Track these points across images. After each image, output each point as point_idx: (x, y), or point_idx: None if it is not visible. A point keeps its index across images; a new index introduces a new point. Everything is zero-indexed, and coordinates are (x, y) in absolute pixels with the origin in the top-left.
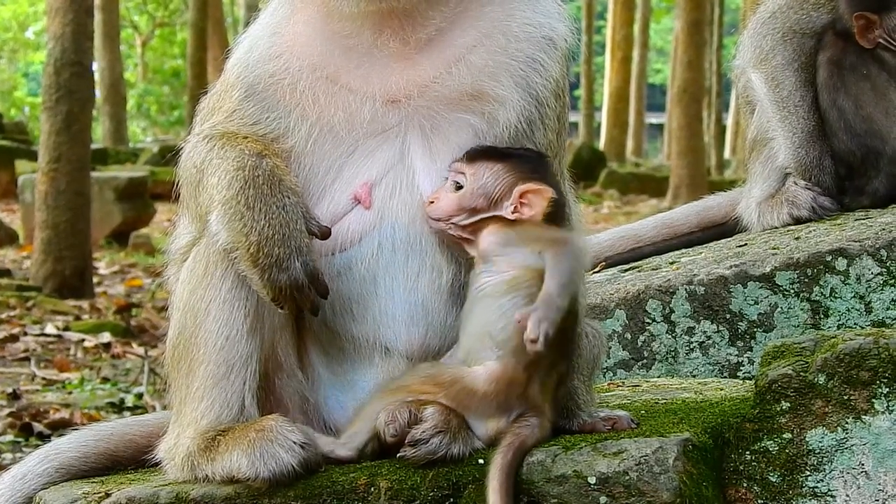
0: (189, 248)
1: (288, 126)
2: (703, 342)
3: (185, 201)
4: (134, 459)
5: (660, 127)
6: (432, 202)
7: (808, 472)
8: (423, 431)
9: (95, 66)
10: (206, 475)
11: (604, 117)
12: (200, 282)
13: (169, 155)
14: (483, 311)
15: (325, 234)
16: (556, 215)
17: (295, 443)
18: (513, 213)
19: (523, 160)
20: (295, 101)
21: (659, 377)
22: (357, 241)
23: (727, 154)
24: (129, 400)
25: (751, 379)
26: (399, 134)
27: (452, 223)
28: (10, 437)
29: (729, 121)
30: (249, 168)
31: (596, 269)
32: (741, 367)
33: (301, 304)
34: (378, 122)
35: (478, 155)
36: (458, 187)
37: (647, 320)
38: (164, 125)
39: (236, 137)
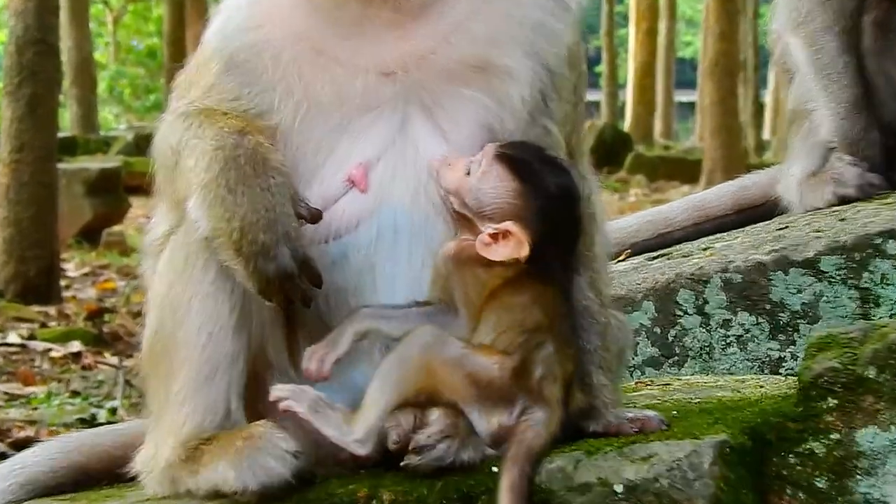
0: (166, 239)
1: (272, 102)
2: (740, 336)
3: (161, 187)
4: (108, 473)
5: (691, 105)
6: (449, 165)
7: (858, 477)
8: (429, 436)
9: (62, 46)
10: (189, 489)
11: (628, 95)
12: (180, 274)
13: (144, 143)
14: (472, 331)
15: (315, 216)
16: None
17: (287, 451)
18: (487, 238)
19: (542, 195)
20: (278, 74)
21: (692, 375)
22: (353, 227)
23: (766, 134)
24: (102, 416)
25: (794, 375)
26: (397, 109)
27: (449, 200)
28: None
29: (767, 97)
30: (230, 147)
31: (621, 257)
32: (783, 363)
33: (291, 296)
34: (372, 97)
35: (507, 158)
36: (468, 173)
37: (678, 312)
38: (138, 111)
39: (215, 114)
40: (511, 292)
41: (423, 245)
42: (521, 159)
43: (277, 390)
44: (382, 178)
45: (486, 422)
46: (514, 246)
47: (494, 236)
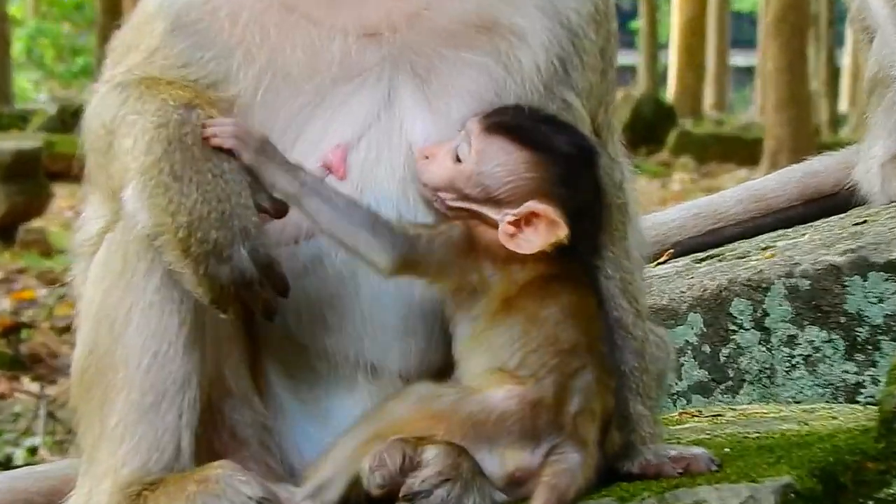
0: (100, 237)
1: (229, 69)
2: (808, 356)
3: (94, 174)
4: None
5: (749, 71)
6: (427, 158)
7: None
8: (424, 481)
9: None
10: None
11: (672, 58)
12: (117, 280)
13: (71, 118)
14: (487, 349)
15: (280, 210)
16: (574, 248)
17: (250, 498)
18: (510, 228)
19: (558, 158)
20: (237, 35)
21: (749, 404)
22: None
23: (842, 106)
24: (20, 456)
25: (874, 404)
26: (382, 79)
27: (438, 197)
28: None
29: (845, 60)
30: (175, 124)
31: (661, 259)
32: (861, 389)
33: (251, 306)
34: (352, 64)
35: (502, 126)
36: (459, 159)
37: (733, 327)
38: (63, 77)
39: (159, 84)
40: (538, 299)
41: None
42: (520, 124)
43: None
44: (364, 162)
45: (498, 462)
46: (547, 228)
47: (517, 223)
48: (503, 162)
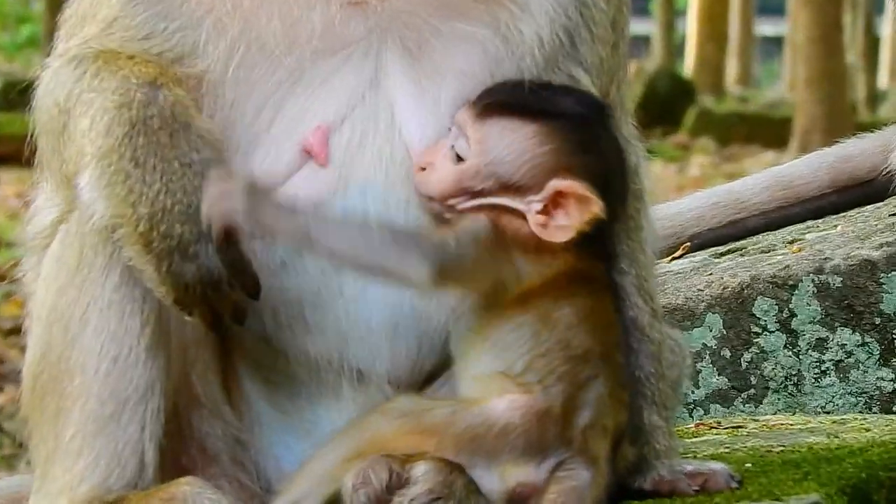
0: (54, 229)
1: (197, 42)
2: (840, 361)
3: (46, 158)
4: None
5: (778, 41)
6: (424, 169)
7: None
8: (413, 500)
9: None
10: None
11: (690, 27)
12: (72, 277)
13: (17, 95)
14: (491, 347)
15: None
16: (594, 239)
17: None
18: (540, 216)
19: (570, 123)
20: (206, 3)
21: (773, 414)
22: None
23: (883, 81)
24: None
25: None
26: (369, 53)
27: (449, 206)
28: None
29: (885, 29)
30: (138, 104)
31: (677, 253)
32: None
33: (219, 308)
34: (335, 35)
35: (496, 106)
36: (459, 157)
37: (756, 329)
38: (7, 48)
39: (118, 59)
40: (553, 299)
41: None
42: (517, 98)
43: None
44: (348, 146)
45: (498, 478)
46: (578, 207)
47: (545, 209)
48: (510, 143)
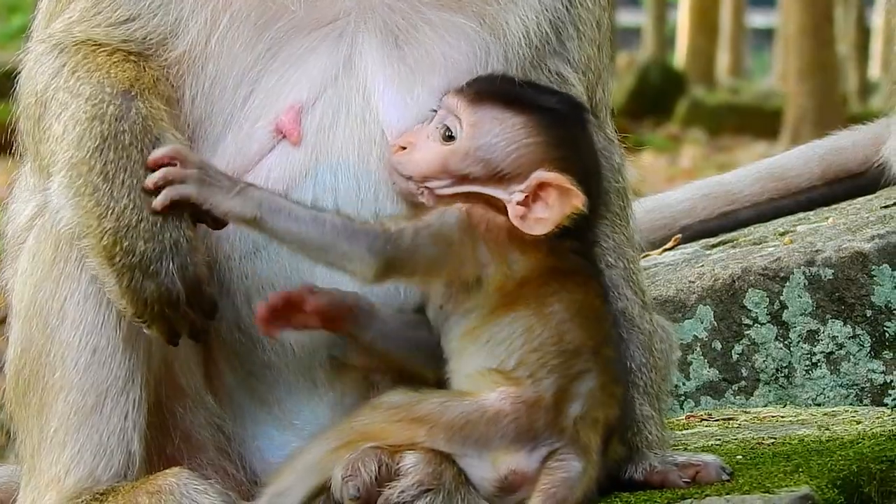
0: (31, 225)
1: (179, 17)
2: (831, 353)
3: (26, 141)
4: None
5: (769, 33)
6: (404, 148)
7: None
8: (403, 491)
9: None
10: None
11: (681, 19)
12: (49, 270)
13: (6, 84)
14: (483, 345)
15: (219, 222)
16: (575, 234)
17: None
18: (520, 206)
19: (554, 119)
20: None
21: (764, 407)
22: (282, 194)
23: (874, 72)
24: None
25: None
26: (344, 32)
27: (426, 187)
28: None
29: (877, 21)
30: (111, 118)
31: (668, 245)
32: (889, 390)
33: (176, 327)
34: (315, 11)
35: (489, 94)
36: (449, 137)
37: (747, 321)
38: None
39: (98, 54)
40: (541, 296)
41: (373, 218)
42: (508, 90)
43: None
44: (320, 125)
45: (490, 465)
46: (560, 199)
47: (526, 200)
48: (501, 131)
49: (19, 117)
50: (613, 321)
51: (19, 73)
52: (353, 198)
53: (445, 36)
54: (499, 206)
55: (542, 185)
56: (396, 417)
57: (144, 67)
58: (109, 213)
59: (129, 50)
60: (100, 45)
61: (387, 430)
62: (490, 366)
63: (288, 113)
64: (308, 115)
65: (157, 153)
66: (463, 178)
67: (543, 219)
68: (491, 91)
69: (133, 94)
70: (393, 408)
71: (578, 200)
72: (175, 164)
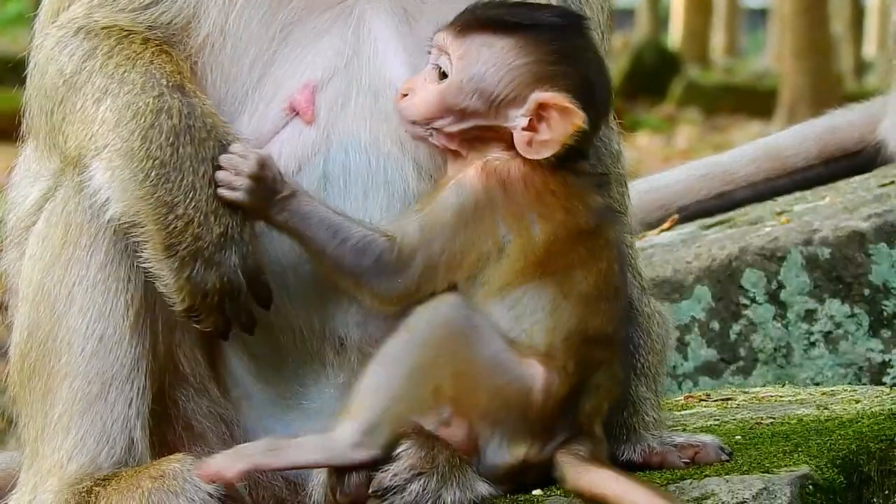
0: (39, 208)
1: (198, 2)
2: (829, 332)
3: (37, 122)
4: None
5: (763, 13)
6: (406, 95)
7: None
8: (396, 475)
9: None
10: None
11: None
12: (57, 256)
13: (3, 72)
14: (506, 308)
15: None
16: (578, 155)
17: (211, 496)
18: (525, 132)
19: (547, 34)
20: None
21: (762, 387)
22: (294, 171)
23: (868, 51)
24: None
25: None
26: (354, 9)
27: (434, 128)
28: None
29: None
30: (178, 113)
31: (664, 226)
32: (888, 369)
33: (233, 318)
34: None
35: (475, 23)
36: (443, 74)
37: (745, 301)
38: None
39: (132, 41)
40: (569, 265)
41: (384, 194)
42: (494, 15)
43: (205, 466)
44: (331, 103)
45: (507, 454)
46: (560, 118)
47: (531, 124)
48: (489, 56)
49: (31, 97)
50: (626, 292)
51: (20, 62)
52: (365, 173)
53: (454, 11)
54: (505, 140)
55: (541, 106)
56: (454, 363)
57: (177, 59)
58: (177, 204)
59: (155, 38)
60: (128, 31)
61: (440, 379)
62: (516, 335)
63: (302, 92)
64: (321, 92)
65: (231, 159)
66: (464, 113)
67: (548, 140)
68: (477, 19)
69: (188, 91)
70: (455, 334)
71: (578, 119)
72: (233, 168)
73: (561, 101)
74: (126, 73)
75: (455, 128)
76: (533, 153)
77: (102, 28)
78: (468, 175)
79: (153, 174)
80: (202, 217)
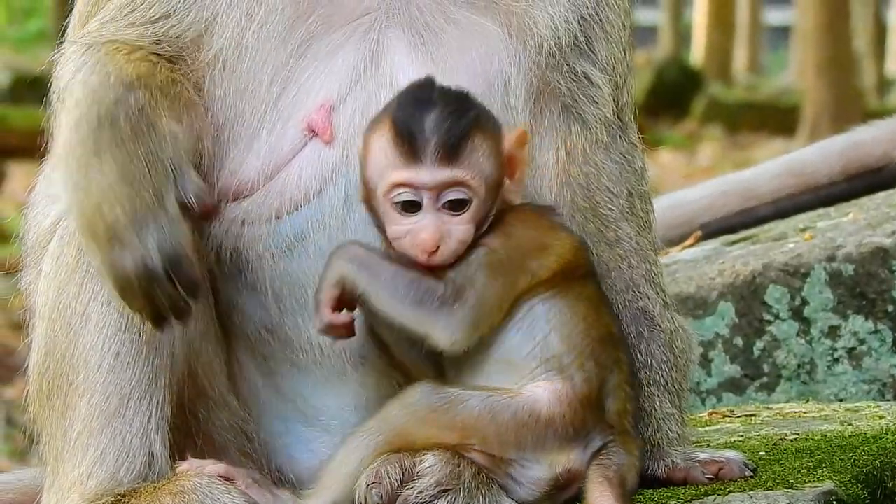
0: (54, 229)
1: (214, 14)
2: (853, 348)
3: (52, 144)
4: None
5: (785, 30)
6: (436, 251)
7: None
8: (422, 492)
9: None
10: None
11: (698, 16)
12: (72, 273)
13: (27, 90)
14: (516, 325)
15: (207, 211)
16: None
17: None
18: (513, 184)
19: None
20: None
21: (786, 402)
22: (314, 194)
23: (891, 68)
24: None
25: None
26: (371, 29)
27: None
28: None
29: (892, 17)
30: (109, 102)
31: (687, 242)
32: None
33: (158, 304)
34: (343, 7)
35: (452, 143)
36: (462, 204)
37: (768, 317)
38: (16, 42)
39: (118, 51)
40: (567, 286)
41: None
42: (449, 120)
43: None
44: (350, 122)
45: (546, 467)
46: (522, 148)
47: (510, 174)
48: (487, 149)
49: (54, 116)
50: (620, 326)
51: (40, 79)
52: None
53: (472, 33)
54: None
55: (511, 157)
56: (440, 423)
57: (161, 68)
58: (95, 185)
59: (158, 52)
60: (125, 44)
61: (429, 437)
62: (529, 351)
63: (319, 111)
64: (338, 113)
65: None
66: (486, 218)
67: (520, 176)
68: (447, 138)
69: (136, 85)
70: (432, 411)
71: (525, 135)
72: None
73: (512, 135)
74: (93, 75)
75: (483, 230)
76: (516, 195)
77: (103, 43)
78: (489, 242)
79: (76, 163)
80: (115, 201)
